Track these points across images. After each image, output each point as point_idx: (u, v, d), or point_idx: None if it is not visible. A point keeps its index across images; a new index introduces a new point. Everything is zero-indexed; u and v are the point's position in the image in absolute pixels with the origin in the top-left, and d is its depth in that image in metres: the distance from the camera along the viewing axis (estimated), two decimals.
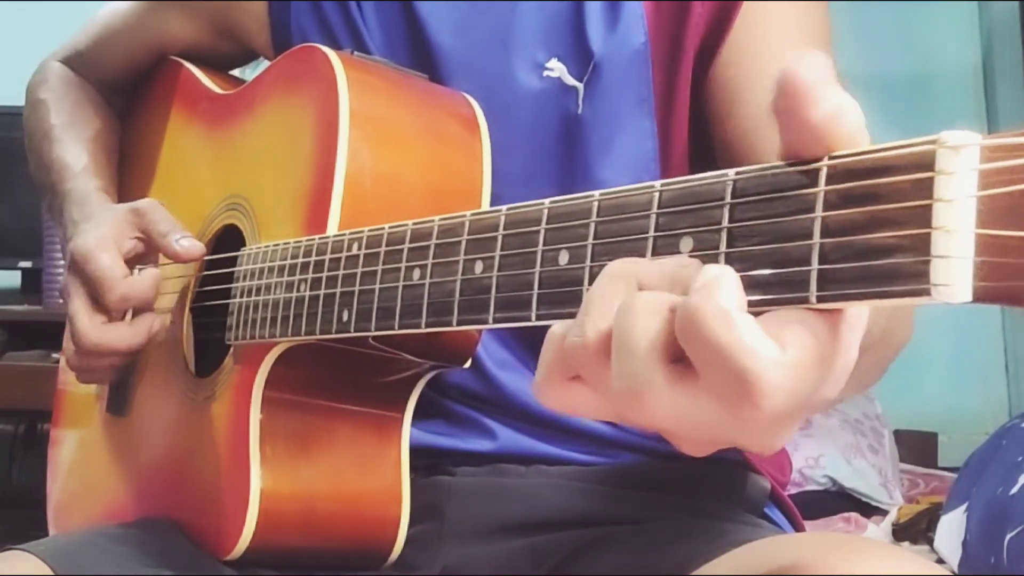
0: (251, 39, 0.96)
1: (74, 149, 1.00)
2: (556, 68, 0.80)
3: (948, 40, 3.22)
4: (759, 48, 0.77)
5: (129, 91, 1.08)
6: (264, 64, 0.91)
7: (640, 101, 0.80)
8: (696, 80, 0.80)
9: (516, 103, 0.81)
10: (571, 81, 0.80)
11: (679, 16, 0.79)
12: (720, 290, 0.35)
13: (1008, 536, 1.70)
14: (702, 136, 0.81)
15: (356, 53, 0.80)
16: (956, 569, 1.90)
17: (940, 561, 1.96)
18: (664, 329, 0.36)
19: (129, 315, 0.85)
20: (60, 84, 1.08)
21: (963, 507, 1.96)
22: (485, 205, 0.77)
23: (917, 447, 2.85)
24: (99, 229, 0.84)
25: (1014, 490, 1.78)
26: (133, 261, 0.84)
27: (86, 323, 0.81)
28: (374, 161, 0.73)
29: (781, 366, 0.34)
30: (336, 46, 0.80)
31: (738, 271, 0.36)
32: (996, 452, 2.00)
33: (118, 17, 1.04)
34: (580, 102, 0.80)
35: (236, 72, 1.05)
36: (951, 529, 1.98)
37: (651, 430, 0.39)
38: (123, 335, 0.82)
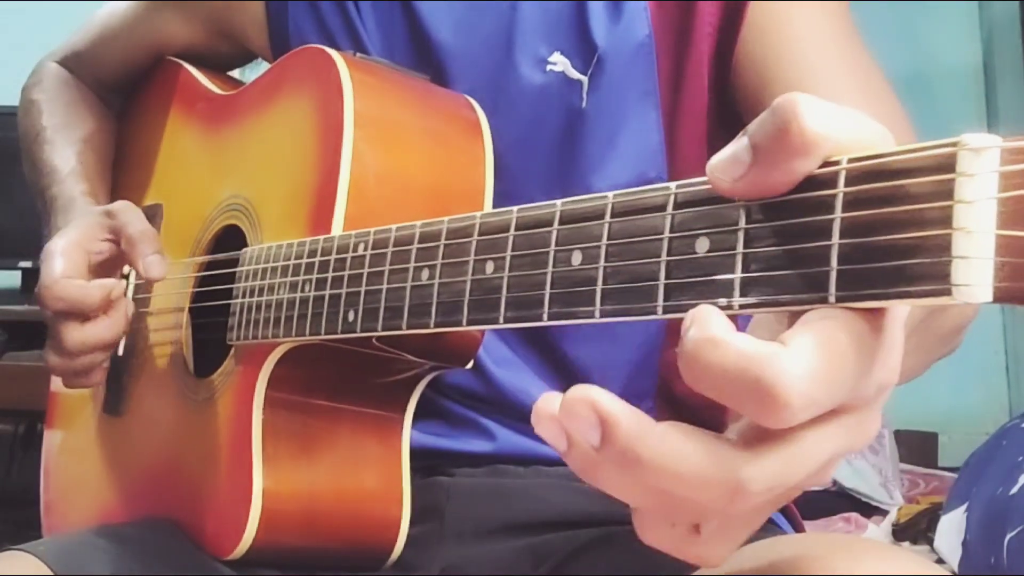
0: (249, 40, 0.96)
1: (64, 152, 1.00)
2: (559, 62, 0.80)
3: (948, 40, 3.23)
4: (780, 30, 0.76)
5: (127, 92, 1.08)
6: (263, 65, 0.91)
7: (645, 94, 0.80)
8: (721, 72, 0.79)
9: (519, 98, 0.81)
10: (575, 75, 0.80)
11: (684, 10, 0.79)
12: (701, 324, 0.34)
13: (1008, 536, 1.71)
14: (737, 127, 0.80)
15: (359, 54, 0.80)
16: (956, 569, 1.90)
17: (940, 561, 1.96)
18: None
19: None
20: (54, 85, 1.08)
21: (963, 507, 1.96)
22: (488, 206, 0.76)
23: (917, 447, 2.85)
24: (69, 233, 0.83)
25: (1014, 490, 1.78)
26: (107, 264, 0.84)
27: (61, 329, 0.81)
28: (378, 162, 0.73)
29: (792, 359, 0.33)
30: (334, 46, 0.80)
31: (755, 271, 0.36)
32: (996, 452, 2.00)
33: (116, 17, 1.04)
34: (584, 95, 0.79)
35: (234, 73, 1.05)
36: (951, 529, 1.98)
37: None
38: (98, 330, 0.81)
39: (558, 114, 0.80)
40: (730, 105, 0.79)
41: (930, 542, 2.12)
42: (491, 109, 0.80)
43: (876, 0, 2.83)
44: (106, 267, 0.84)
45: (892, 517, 2.38)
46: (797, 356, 0.33)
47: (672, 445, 0.35)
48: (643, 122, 0.80)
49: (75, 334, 0.80)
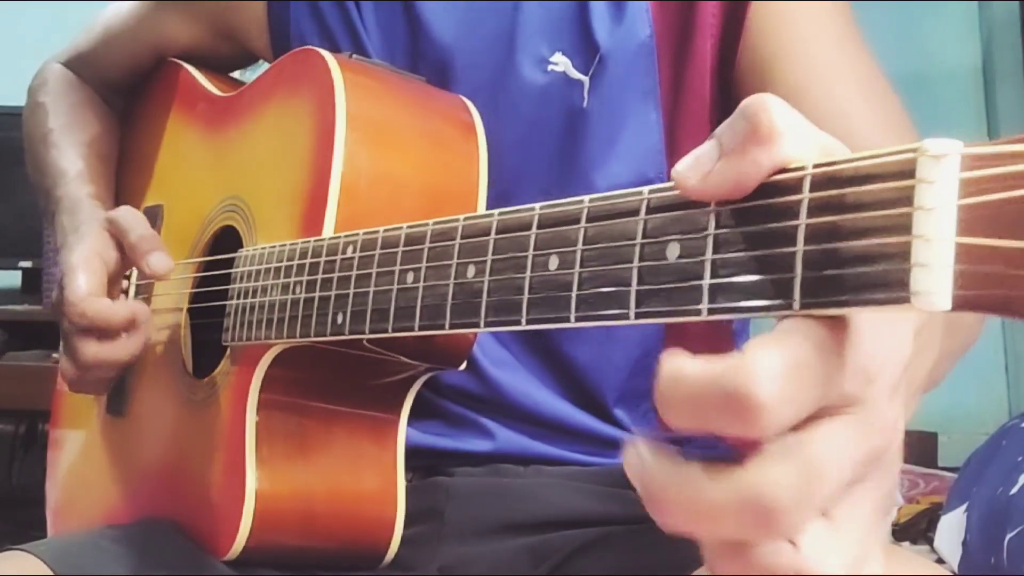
0: (250, 41, 0.96)
1: (69, 154, 1.00)
2: (560, 62, 0.80)
3: (948, 40, 3.22)
4: (783, 30, 0.76)
5: (129, 92, 1.08)
6: (264, 66, 0.92)
7: (646, 94, 0.80)
8: (724, 72, 0.79)
9: (520, 98, 0.81)
10: (576, 75, 0.80)
11: (685, 10, 0.80)
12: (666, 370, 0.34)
13: (1008, 536, 1.70)
14: None
15: (355, 56, 0.80)
16: (956, 569, 1.89)
17: (940, 561, 1.95)
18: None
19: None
20: (59, 87, 1.08)
21: (963, 507, 1.96)
22: (481, 208, 0.77)
23: (917, 447, 2.84)
24: (84, 243, 0.84)
25: (1014, 490, 1.78)
26: (121, 271, 0.85)
27: (78, 343, 0.81)
28: (370, 163, 0.73)
29: (755, 360, 0.32)
30: (335, 47, 0.81)
31: (723, 277, 0.36)
32: (996, 452, 1.99)
33: (119, 18, 1.05)
34: (586, 95, 0.80)
35: (236, 74, 1.05)
36: (951, 529, 1.98)
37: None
38: (115, 349, 0.82)
39: (559, 114, 0.81)
40: (733, 106, 0.79)
41: (930, 542, 2.11)
42: (492, 109, 0.80)
43: (876, 0, 2.83)
44: (120, 276, 0.85)
45: (892, 517, 2.37)
46: (759, 356, 0.32)
47: (681, 475, 0.34)
48: (643, 122, 0.80)
49: (92, 349, 0.81)
